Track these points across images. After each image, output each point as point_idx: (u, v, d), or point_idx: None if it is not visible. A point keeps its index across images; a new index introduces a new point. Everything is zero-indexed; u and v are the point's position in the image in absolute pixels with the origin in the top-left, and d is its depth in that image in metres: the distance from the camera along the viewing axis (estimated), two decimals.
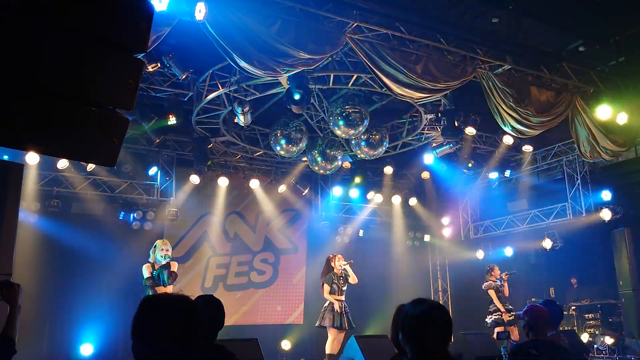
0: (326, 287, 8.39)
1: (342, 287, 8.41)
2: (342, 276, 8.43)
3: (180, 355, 1.78)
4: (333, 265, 8.46)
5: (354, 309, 8.93)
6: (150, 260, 7.11)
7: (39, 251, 8.89)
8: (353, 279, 8.47)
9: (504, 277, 9.36)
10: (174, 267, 7.15)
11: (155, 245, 7.18)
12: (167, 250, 7.12)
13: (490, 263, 10.05)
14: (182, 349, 1.78)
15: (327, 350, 8.31)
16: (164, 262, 7.05)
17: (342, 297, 8.43)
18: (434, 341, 2.35)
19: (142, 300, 1.91)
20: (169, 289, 6.96)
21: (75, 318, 9.24)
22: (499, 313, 9.05)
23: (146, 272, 7.02)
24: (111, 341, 9.17)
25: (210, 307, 3.20)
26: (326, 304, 8.43)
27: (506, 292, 9.33)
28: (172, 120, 8.50)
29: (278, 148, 9.04)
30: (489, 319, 9.16)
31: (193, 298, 2.02)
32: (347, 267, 8.44)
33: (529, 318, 3.78)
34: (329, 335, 8.35)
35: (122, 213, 9.96)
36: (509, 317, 9.07)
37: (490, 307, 9.19)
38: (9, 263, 6.83)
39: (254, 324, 11.18)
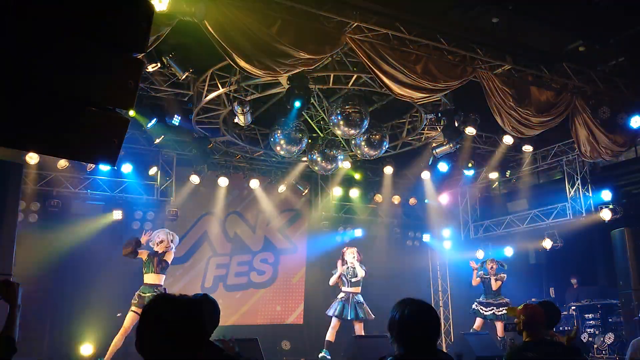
0: (333, 276, 8.81)
1: (350, 279, 8.67)
2: (352, 268, 8.72)
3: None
4: (345, 257, 8.83)
5: None
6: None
7: (38, 251, 8.89)
8: (360, 272, 8.79)
9: (489, 270, 9.61)
10: (169, 257, 7.94)
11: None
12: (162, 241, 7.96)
13: None
14: (186, 355, 1.79)
15: (327, 337, 8.59)
16: (160, 251, 7.89)
17: (351, 289, 8.69)
18: (421, 340, 2.37)
19: (150, 303, 1.91)
20: (159, 278, 7.82)
21: (75, 318, 9.23)
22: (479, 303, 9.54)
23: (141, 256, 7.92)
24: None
25: (206, 307, 3.27)
26: (339, 295, 8.77)
27: (494, 285, 9.54)
28: (176, 121, 8.56)
29: (278, 148, 9.04)
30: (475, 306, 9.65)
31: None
32: (355, 262, 8.73)
33: (524, 317, 3.66)
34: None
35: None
36: (488, 312, 9.39)
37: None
38: (9, 263, 6.86)
39: (254, 324, 11.18)
